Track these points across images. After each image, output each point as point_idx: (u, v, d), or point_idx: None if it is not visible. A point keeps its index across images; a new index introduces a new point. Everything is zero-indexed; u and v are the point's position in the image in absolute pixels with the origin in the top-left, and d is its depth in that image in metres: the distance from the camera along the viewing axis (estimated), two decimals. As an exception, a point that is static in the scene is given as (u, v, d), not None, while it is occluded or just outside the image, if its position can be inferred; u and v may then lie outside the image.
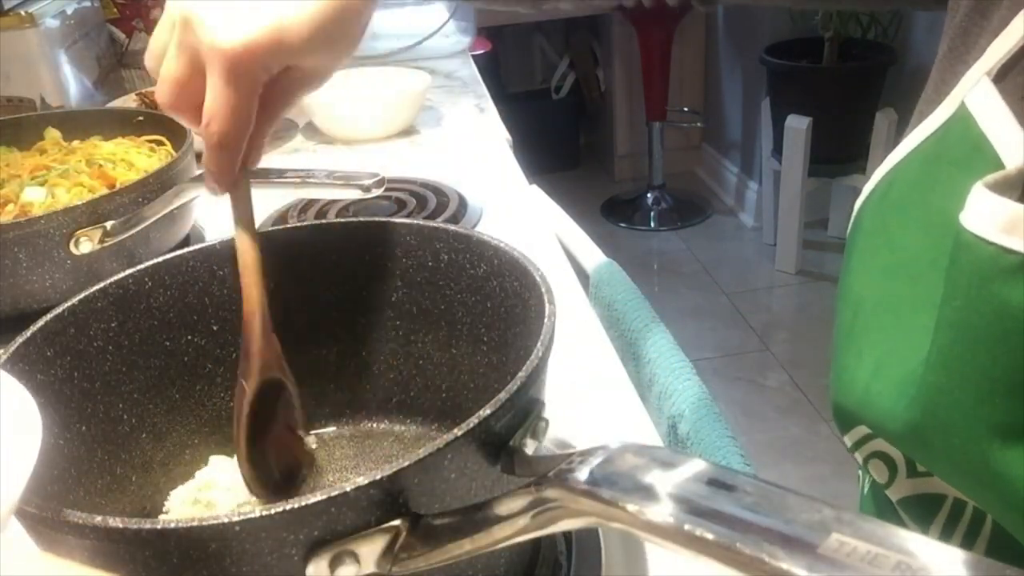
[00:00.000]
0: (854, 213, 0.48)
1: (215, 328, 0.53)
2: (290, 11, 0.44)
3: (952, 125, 0.40)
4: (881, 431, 0.42)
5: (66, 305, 0.46)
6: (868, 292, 0.44)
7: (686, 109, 3.14)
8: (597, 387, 0.65)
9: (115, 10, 1.37)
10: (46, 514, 0.32)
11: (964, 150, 0.38)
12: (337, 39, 0.47)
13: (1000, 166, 0.36)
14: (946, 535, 0.41)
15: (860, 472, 0.51)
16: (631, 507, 0.27)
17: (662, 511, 0.27)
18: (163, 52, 0.46)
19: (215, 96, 0.44)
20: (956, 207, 0.35)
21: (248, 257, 0.48)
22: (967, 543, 0.41)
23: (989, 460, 0.35)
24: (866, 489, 0.52)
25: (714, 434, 0.60)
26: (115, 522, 0.31)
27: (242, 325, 0.47)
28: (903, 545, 0.23)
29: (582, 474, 0.29)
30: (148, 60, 0.48)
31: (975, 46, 0.40)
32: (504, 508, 0.32)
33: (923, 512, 0.43)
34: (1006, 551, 0.38)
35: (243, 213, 0.48)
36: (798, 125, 2.34)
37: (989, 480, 0.36)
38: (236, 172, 0.47)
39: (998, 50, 0.38)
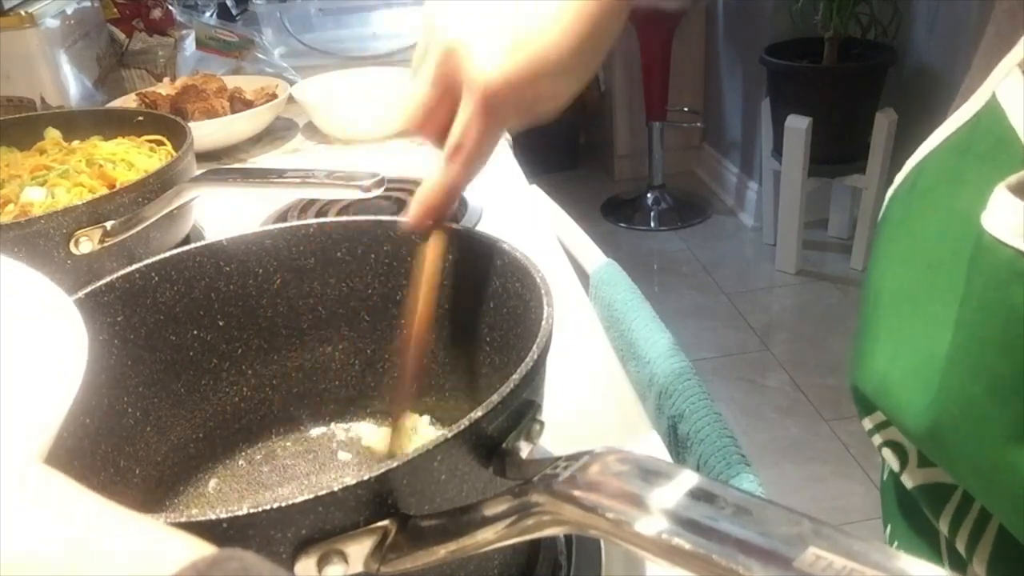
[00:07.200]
0: (885, 202, 0.48)
1: (221, 323, 0.53)
2: (551, 41, 0.44)
3: (983, 116, 0.40)
4: (899, 424, 0.42)
5: (72, 298, 0.46)
6: (888, 280, 0.44)
7: (686, 109, 3.14)
8: (597, 387, 0.65)
9: (115, 10, 1.37)
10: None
11: (992, 143, 0.38)
12: (591, 60, 0.47)
13: None
14: (955, 524, 0.41)
15: (881, 458, 0.51)
16: (611, 515, 0.27)
17: (642, 520, 0.27)
18: (417, 70, 0.48)
19: (472, 123, 0.45)
20: (980, 201, 0.34)
21: (437, 261, 0.49)
22: (975, 534, 0.41)
23: (999, 461, 0.35)
24: (885, 475, 0.52)
25: (714, 434, 0.60)
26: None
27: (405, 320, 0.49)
28: (881, 562, 0.23)
29: (566, 479, 0.30)
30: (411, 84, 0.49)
31: (1020, 33, 0.39)
32: (490, 512, 0.32)
33: (934, 501, 0.43)
34: (1012, 543, 0.38)
35: (446, 224, 0.50)
36: (798, 125, 2.34)
37: (998, 481, 0.36)
38: (459, 193, 0.48)
39: None
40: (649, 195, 3.05)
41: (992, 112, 0.39)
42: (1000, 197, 0.33)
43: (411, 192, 0.94)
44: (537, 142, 2.81)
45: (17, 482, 0.22)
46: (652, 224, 2.99)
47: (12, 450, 0.24)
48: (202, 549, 0.21)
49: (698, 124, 3.19)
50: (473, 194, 0.93)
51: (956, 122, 0.42)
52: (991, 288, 0.34)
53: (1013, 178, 0.33)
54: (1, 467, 0.22)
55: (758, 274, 2.64)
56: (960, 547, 0.41)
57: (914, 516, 0.47)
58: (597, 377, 0.66)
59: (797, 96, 2.38)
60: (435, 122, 0.48)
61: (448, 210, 0.49)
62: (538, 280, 0.44)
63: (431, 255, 0.49)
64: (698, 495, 0.27)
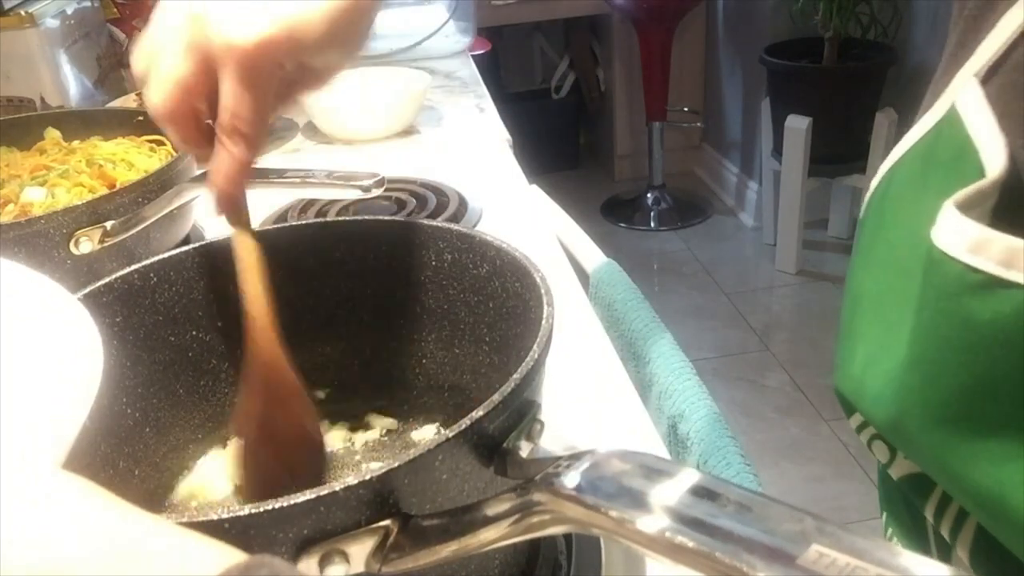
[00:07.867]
0: (862, 209, 0.49)
1: (220, 324, 0.53)
2: (302, 9, 0.44)
3: (943, 126, 0.41)
4: (871, 420, 0.44)
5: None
6: (865, 286, 0.45)
7: (686, 109, 3.14)
8: (597, 387, 0.65)
9: (115, 10, 1.37)
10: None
11: (952, 152, 0.39)
12: (347, 38, 0.47)
13: (983, 171, 0.36)
14: (939, 512, 0.43)
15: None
16: (614, 513, 0.27)
17: (644, 518, 0.27)
18: (158, 53, 0.44)
19: (235, 95, 0.43)
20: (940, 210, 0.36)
21: (251, 258, 0.47)
22: (958, 522, 0.42)
23: (955, 458, 0.37)
24: (879, 466, 0.53)
25: (714, 434, 0.60)
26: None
27: (245, 328, 0.47)
28: (885, 559, 0.23)
29: (568, 479, 0.30)
30: (138, 62, 0.46)
31: (980, 41, 0.40)
32: (492, 511, 0.32)
33: (919, 491, 0.44)
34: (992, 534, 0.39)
35: (243, 215, 0.48)
36: (798, 125, 2.34)
37: (955, 475, 0.37)
38: (248, 173, 0.46)
39: (987, 50, 0.38)
40: (649, 195, 3.05)
41: (952, 122, 0.39)
42: (948, 213, 0.35)
43: (411, 192, 0.94)
44: (537, 142, 2.81)
45: (48, 491, 0.22)
46: (652, 224, 2.99)
47: (39, 459, 0.25)
48: (234, 555, 0.22)
49: (698, 124, 3.19)
50: (473, 194, 0.93)
51: (921, 130, 0.43)
52: (943, 299, 0.35)
53: (960, 194, 0.35)
54: (30, 477, 0.23)
55: (758, 274, 2.64)
56: (944, 533, 0.42)
57: (905, 504, 0.48)
58: (597, 377, 0.66)
59: (797, 96, 2.38)
60: (188, 105, 0.44)
61: (243, 193, 0.47)
62: (538, 280, 0.44)
63: (248, 257, 0.47)
64: (700, 493, 0.27)
